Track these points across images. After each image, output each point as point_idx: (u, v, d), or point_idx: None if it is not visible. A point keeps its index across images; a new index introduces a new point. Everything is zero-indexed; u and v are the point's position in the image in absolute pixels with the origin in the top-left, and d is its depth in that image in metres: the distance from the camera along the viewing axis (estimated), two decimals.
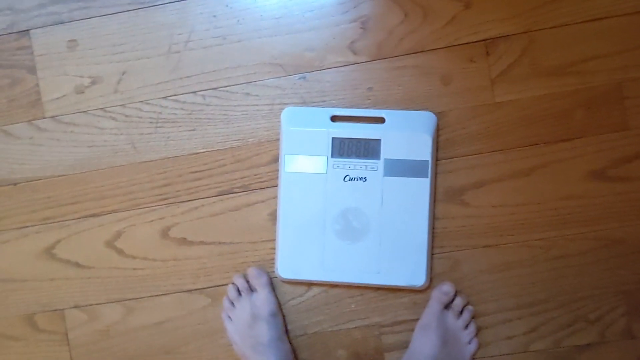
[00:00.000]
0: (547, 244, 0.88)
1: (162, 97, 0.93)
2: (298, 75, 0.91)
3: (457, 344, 0.87)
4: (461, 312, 0.88)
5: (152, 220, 0.93)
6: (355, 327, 0.91)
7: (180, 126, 0.92)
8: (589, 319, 0.88)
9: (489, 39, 0.88)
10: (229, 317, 0.91)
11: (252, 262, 0.92)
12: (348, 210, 0.88)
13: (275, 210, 0.91)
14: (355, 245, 0.88)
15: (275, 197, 0.91)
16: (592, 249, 0.88)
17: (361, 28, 0.90)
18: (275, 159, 0.91)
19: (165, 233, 0.93)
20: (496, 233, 0.89)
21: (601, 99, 0.87)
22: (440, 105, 0.89)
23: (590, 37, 0.87)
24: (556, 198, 0.88)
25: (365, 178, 0.88)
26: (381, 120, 0.88)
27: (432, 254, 0.89)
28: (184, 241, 0.93)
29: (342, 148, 0.88)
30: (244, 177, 0.92)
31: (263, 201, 0.91)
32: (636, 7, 0.86)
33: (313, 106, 0.91)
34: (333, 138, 0.88)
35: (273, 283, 0.91)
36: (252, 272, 0.90)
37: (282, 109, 0.90)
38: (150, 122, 0.93)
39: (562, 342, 0.88)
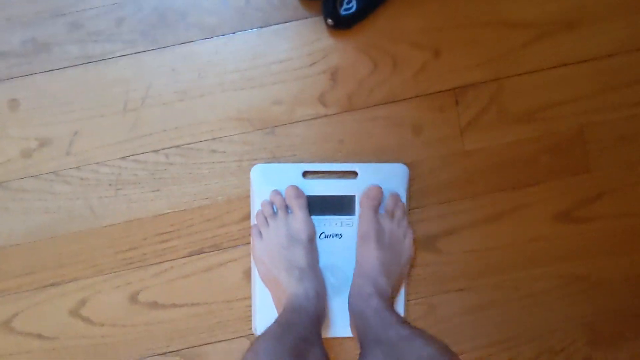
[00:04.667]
0: (516, 284, 0.91)
1: (121, 158, 0.87)
2: (266, 130, 0.87)
3: (397, 243, 0.85)
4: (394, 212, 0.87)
5: (118, 286, 0.88)
6: None
7: (142, 187, 0.87)
8: (554, 350, 0.93)
9: (458, 87, 0.88)
10: (260, 233, 0.85)
11: (229, 320, 0.90)
12: (325, 267, 0.87)
13: (250, 269, 0.88)
14: (333, 301, 0.87)
15: (249, 255, 0.88)
16: (557, 286, 0.92)
17: (330, 79, 0.87)
18: (247, 216, 0.88)
19: (134, 298, 0.89)
20: (468, 277, 0.91)
21: (565, 144, 0.90)
22: (411, 155, 0.88)
23: (553, 84, 0.89)
24: (524, 240, 0.91)
25: (340, 234, 0.87)
26: (354, 174, 0.86)
27: (408, 300, 0.90)
28: (155, 305, 0.89)
29: (316, 206, 0.86)
30: (215, 236, 0.88)
31: (236, 259, 0.89)
32: (596, 53, 0.88)
33: (283, 161, 0.88)
34: (307, 196, 0.85)
35: None
36: (290, 191, 0.84)
37: (251, 164, 0.87)
38: (110, 185, 0.87)
39: None
